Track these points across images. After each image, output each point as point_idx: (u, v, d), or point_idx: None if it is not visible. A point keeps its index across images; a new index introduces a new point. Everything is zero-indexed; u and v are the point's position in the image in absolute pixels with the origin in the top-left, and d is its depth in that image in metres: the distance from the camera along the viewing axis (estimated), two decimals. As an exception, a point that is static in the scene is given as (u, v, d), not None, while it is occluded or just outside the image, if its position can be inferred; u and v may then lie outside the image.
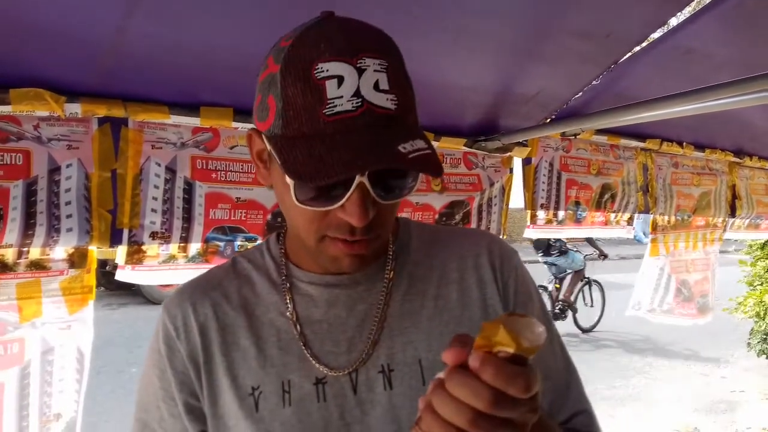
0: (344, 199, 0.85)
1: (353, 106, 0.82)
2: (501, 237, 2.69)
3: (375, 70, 0.84)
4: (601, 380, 7.25)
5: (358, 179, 0.84)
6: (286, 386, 1.00)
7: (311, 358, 1.01)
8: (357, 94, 0.82)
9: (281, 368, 1.01)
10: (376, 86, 0.83)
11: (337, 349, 1.02)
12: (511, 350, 0.65)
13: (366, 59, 0.84)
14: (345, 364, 1.01)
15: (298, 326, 1.03)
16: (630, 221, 3.18)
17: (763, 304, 8.00)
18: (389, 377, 1.01)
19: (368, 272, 1.06)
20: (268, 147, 0.90)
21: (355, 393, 1.00)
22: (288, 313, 1.05)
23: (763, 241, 7.95)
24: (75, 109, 1.65)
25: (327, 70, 0.82)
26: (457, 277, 1.10)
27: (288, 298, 1.06)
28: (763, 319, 8.02)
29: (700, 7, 1.98)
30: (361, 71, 0.83)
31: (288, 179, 0.85)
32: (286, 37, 0.90)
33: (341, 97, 0.82)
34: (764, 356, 8.21)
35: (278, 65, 0.86)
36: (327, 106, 0.82)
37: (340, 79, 0.82)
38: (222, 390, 1.02)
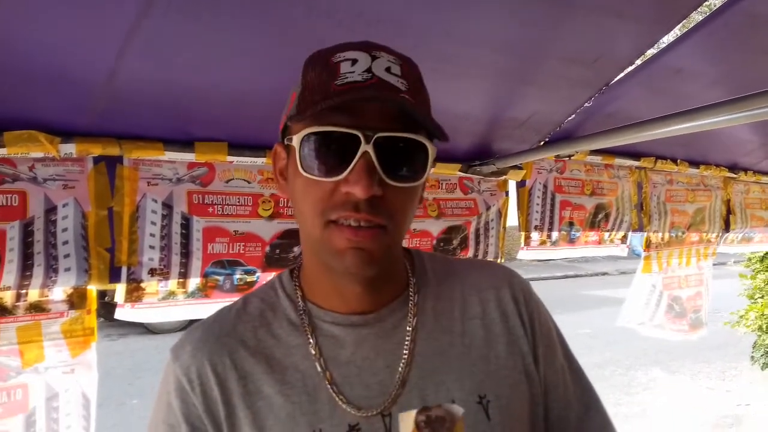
0: (348, 170, 0.86)
1: (363, 78, 0.87)
2: (500, 259, 2.69)
3: (389, 60, 0.90)
4: (606, 398, 7.14)
5: (362, 148, 0.85)
6: None
7: (342, 404, 0.96)
8: (368, 70, 0.88)
9: (312, 416, 0.95)
10: (388, 70, 0.89)
11: (368, 393, 0.97)
12: None
13: (382, 53, 0.91)
14: (376, 407, 0.97)
15: (325, 370, 0.99)
16: (624, 239, 3.18)
17: (764, 317, 7.98)
18: None
19: (393, 308, 1.04)
20: (285, 140, 0.96)
21: None
22: (313, 356, 0.99)
23: (762, 254, 7.95)
24: (70, 149, 1.66)
25: (343, 56, 0.90)
26: (479, 312, 1.08)
27: (311, 339, 1.01)
28: (766, 333, 8.00)
29: (689, 27, 2.00)
30: (374, 57, 0.89)
31: (294, 140, 0.89)
32: None
33: (353, 72, 0.87)
34: (768, 369, 8.18)
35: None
36: (338, 79, 0.87)
37: (354, 61, 0.88)
38: None
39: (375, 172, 0.86)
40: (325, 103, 0.84)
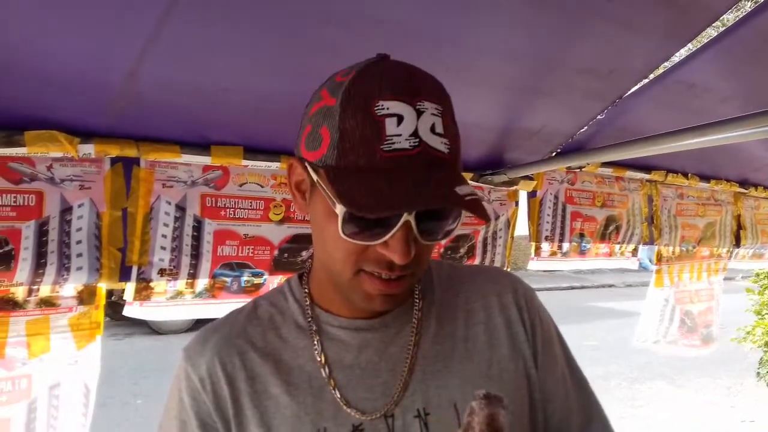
0: (388, 236, 0.85)
1: (410, 145, 0.83)
2: (506, 268, 2.69)
3: (432, 114, 0.85)
4: (609, 411, 7.10)
5: (405, 217, 0.84)
6: None
7: (345, 406, 0.99)
8: (415, 134, 0.83)
9: (315, 416, 0.98)
10: (432, 129, 0.85)
11: (371, 395, 1.00)
12: None
13: (425, 102, 0.85)
14: (380, 409, 0.99)
15: (329, 372, 1.01)
16: (634, 252, 3.19)
17: (771, 333, 7.94)
18: (426, 422, 0.99)
19: (398, 314, 1.05)
20: (315, 177, 0.90)
21: None
22: (318, 359, 1.02)
23: (770, 270, 7.92)
24: (88, 149, 1.68)
25: (387, 108, 0.83)
26: (483, 317, 1.10)
27: (317, 342, 1.03)
28: (772, 348, 7.95)
29: (703, 42, 2.01)
30: (419, 113, 0.84)
31: (338, 209, 0.85)
32: (342, 73, 0.91)
33: (400, 135, 0.83)
34: (774, 385, 8.13)
35: (335, 98, 0.87)
36: (385, 142, 0.82)
37: (400, 118, 0.83)
38: None
39: (412, 238, 0.87)
40: (374, 176, 0.83)
